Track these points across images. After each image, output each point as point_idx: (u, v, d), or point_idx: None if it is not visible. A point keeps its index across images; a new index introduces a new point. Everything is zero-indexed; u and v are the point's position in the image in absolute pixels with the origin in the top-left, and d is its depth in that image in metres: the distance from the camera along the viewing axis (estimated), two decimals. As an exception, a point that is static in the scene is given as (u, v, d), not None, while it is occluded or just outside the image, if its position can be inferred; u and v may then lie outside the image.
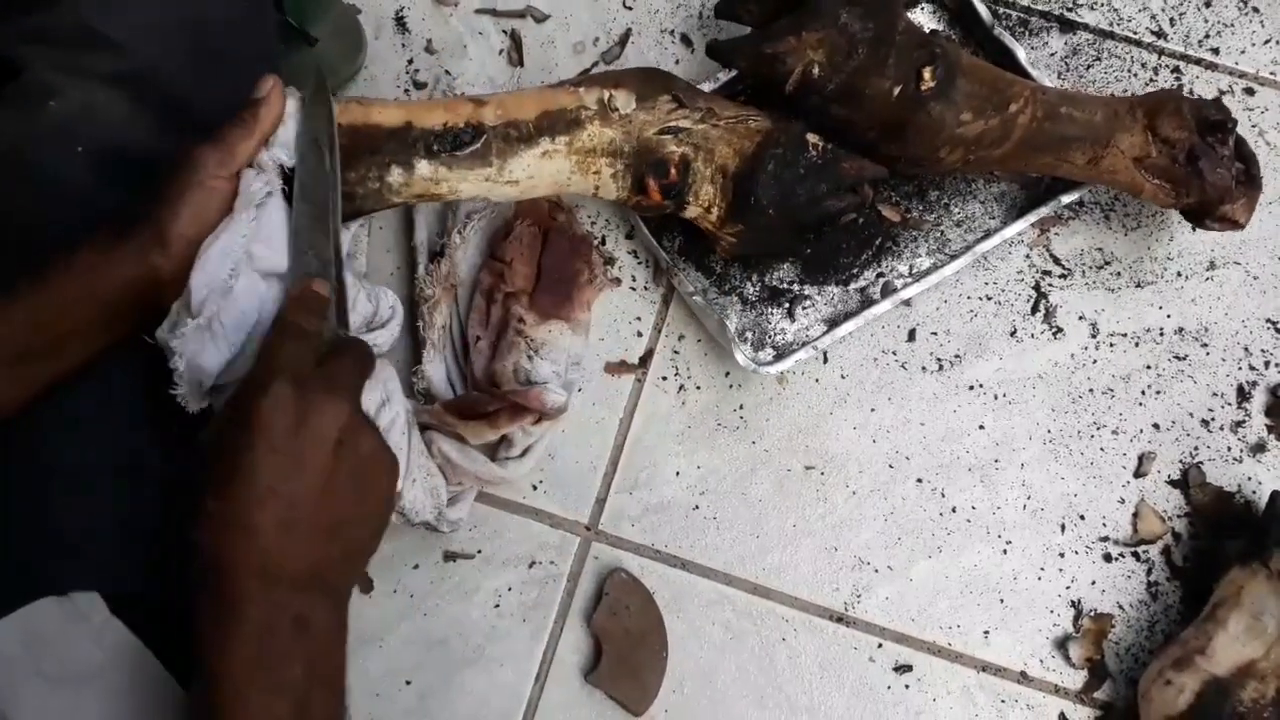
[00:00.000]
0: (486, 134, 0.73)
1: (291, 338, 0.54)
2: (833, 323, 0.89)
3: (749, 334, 0.89)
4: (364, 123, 0.70)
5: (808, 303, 0.90)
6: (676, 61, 0.96)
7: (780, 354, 0.88)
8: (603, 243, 0.92)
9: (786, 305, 0.90)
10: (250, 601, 0.48)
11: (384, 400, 0.79)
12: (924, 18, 0.96)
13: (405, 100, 0.94)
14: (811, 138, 0.80)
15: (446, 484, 0.82)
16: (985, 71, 0.80)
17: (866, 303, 0.89)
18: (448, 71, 0.96)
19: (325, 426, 0.50)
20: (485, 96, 0.75)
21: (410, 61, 0.96)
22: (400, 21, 0.97)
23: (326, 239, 0.64)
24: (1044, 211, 0.88)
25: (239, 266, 0.61)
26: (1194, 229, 0.88)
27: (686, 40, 0.97)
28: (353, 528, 0.52)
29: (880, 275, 0.91)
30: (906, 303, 0.89)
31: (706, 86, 0.86)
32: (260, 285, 0.63)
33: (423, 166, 0.71)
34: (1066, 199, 0.89)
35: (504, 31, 0.97)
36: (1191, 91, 0.97)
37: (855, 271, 0.91)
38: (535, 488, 0.87)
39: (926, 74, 0.76)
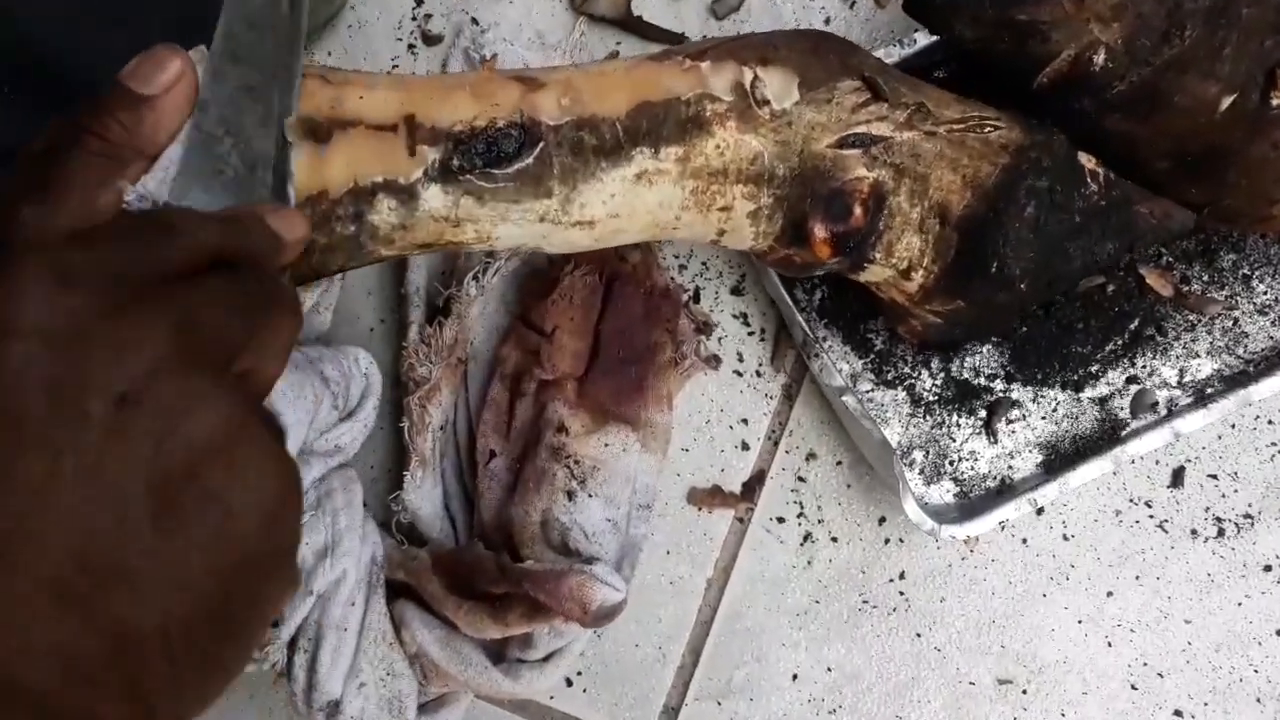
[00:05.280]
0: (544, 140, 0.40)
1: (132, 229, 0.29)
2: (1053, 451, 0.57)
3: (917, 455, 0.57)
4: (331, 116, 0.38)
5: (1015, 412, 0.57)
6: (827, 20, 0.62)
7: (965, 494, 0.56)
8: (695, 299, 0.59)
9: (983, 413, 0.57)
10: None
11: (327, 546, 0.49)
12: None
13: (404, 75, 0.62)
14: (1086, 161, 0.47)
15: (422, 686, 0.52)
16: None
17: (1110, 426, 0.57)
18: (475, 20, 0.63)
19: (103, 362, 0.26)
20: (541, 73, 0.42)
21: (420, 2, 0.63)
22: (408, -59, 0.64)
23: (268, 131, 0.36)
24: None
25: None
26: None
27: (840, -11, 0.63)
28: (158, 584, 0.26)
29: (1132, 380, 0.57)
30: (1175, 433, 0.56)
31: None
32: None
33: (433, 196, 0.39)
34: None
35: (562, -37, 0.63)
36: None
37: (1094, 370, 0.57)
38: (570, 683, 0.57)
39: (1291, 76, 0.43)
